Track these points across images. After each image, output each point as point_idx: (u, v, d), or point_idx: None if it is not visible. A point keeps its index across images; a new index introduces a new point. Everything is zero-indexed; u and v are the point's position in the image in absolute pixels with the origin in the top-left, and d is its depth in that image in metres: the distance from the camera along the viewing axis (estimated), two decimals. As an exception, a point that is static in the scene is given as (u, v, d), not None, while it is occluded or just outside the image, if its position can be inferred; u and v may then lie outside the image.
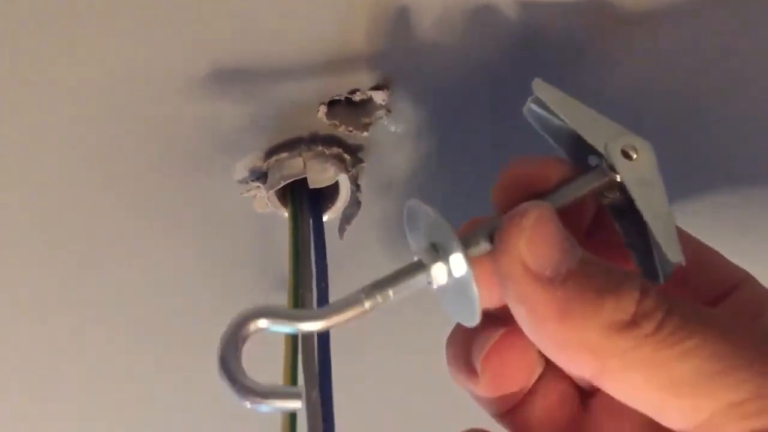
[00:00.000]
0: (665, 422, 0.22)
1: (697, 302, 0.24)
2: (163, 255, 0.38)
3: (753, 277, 0.27)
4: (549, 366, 0.27)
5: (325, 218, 0.34)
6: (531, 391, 0.27)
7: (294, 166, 0.33)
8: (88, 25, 0.28)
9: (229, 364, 0.22)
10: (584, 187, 0.25)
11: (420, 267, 0.24)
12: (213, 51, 0.30)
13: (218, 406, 0.46)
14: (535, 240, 0.23)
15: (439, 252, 0.24)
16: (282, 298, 0.31)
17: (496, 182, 0.27)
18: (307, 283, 0.31)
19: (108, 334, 0.43)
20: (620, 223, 0.26)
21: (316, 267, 0.31)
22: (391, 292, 0.23)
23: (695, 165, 0.37)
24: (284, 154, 0.33)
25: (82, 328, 0.42)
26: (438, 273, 0.24)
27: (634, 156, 0.25)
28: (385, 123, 0.33)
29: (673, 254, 0.24)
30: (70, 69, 0.29)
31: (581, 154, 0.26)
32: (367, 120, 0.33)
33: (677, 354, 0.21)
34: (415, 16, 0.30)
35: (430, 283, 0.24)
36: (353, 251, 0.38)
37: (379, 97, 0.32)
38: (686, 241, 0.25)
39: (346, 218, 0.36)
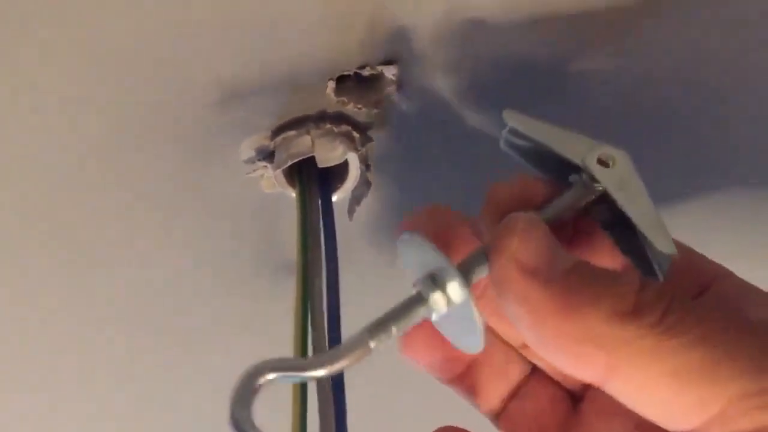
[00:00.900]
0: (673, 424, 0.22)
1: None
2: (168, 240, 0.37)
3: (730, 272, 0.27)
4: (537, 370, 0.28)
5: (333, 199, 0.33)
6: (521, 395, 0.28)
7: (302, 144, 0.32)
8: (88, 11, 0.27)
9: (241, 421, 0.22)
10: (570, 202, 0.26)
11: (419, 299, 0.24)
12: (216, 28, 0.29)
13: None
14: (526, 238, 0.23)
15: (437, 281, 0.24)
16: (290, 281, 0.30)
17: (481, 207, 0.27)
18: (317, 265, 0.30)
19: (114, 328, 0.42)
20: (612, 233, 0.27)
21: (326, 248, 0.30)
22: (394, 329, 0.24)
23: (680, 168, 0.38)
24: (291, 133, 0.32)
25: (88, 322, 0.41)
26: (438, 302, 0.24)
27: (611, 163, 0.26)
28: (396, 99, 0.32)
29: (665, 246, 0.25)
30: (71, 59, 0.29)
31: (562, 174, 0.27)
32: (376, 96, 0.32)
33: (685, 342, 0.21)
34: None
35: (431, 313, 0.24)
36: (362, 232, 0.37)
37: (389, 72, 0.31)
38: None
39: (356, 198, 0.35)
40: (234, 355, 0.41)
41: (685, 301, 0.22)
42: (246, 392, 0.23)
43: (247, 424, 0.22)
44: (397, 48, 0.30)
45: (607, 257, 0.27)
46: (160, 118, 0.31)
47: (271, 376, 0.23)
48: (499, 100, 0.33)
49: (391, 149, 0.34)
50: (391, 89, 0.32)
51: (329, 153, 0.32)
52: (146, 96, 0.30)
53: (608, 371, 0.22)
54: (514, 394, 0.28)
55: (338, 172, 0.34)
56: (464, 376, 0.28)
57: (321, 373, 0.23)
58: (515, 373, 0.28)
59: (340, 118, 0.33)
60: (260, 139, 0.33)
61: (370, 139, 0.33)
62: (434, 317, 0.24)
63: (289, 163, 0.32)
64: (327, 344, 0.28)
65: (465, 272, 0.24)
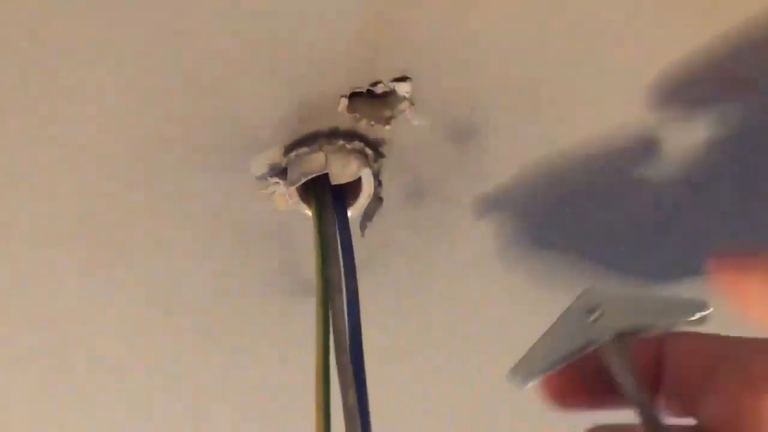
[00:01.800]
0: None
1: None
2: (180, 258, 0.37)
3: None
4: None
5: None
6: None
7: (315, 161, 0.32)
8: (136, 40, 0.27)
9: None
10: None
11: None
12: (231, 44, 0.29)
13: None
14: None
15: None
16: (307, 298, 0.30)
17: None
18: (336, 282, 0.30)
19: (130, 345, 0.41)
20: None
21: (344, 265, 0.30)
22: None
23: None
24: (304, 149, 0.32)
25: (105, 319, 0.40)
26: None
27: (597, 313, 0.24)
28: (408, 116, 0.32)
29: (694, 307, 0.23)
30: (98, 75, 0.29)
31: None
32: (389, 113, 0.32)
33: None
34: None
35: None
36: (375, 249, 0.37)
37: (402, 89, 0.31)
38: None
39: (368, 215, 0.35)
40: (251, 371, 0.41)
41: None
42: None
43: None
44: (410, 65, 0.31)
45: None
46: (179, 133, 0.31)
47: None
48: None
49: (403, 165, 0.34)
50: (403, 105, 0.32)
51: (343, 170, 0.32)
52: (167, 110, 0.30)
53: None
54: None
55: (349, 189, 0.34)
56: None
57: None
58: None
59: (352, 135, 0.33)
60: (272, 155, 0.32)
61: (382, 156, 0.33)
62: None
63: (303, 180, 0.32)
64: (350, 365, 0.28)
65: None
